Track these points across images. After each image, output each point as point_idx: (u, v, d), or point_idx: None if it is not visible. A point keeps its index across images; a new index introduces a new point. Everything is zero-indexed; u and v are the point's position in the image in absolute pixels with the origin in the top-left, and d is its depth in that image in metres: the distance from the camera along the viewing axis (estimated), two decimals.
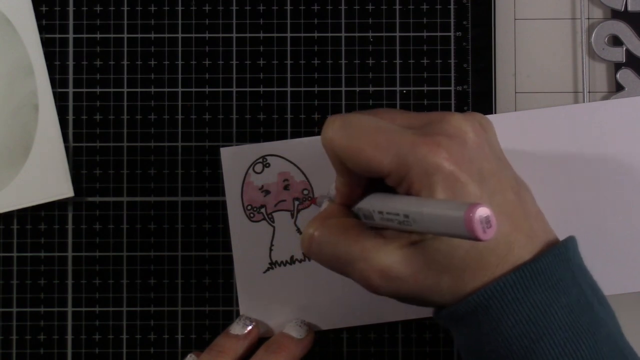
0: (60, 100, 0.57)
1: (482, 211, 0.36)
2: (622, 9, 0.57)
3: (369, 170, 0.43)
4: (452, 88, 0.57)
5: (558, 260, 0.43)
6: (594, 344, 0.42)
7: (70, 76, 0.57)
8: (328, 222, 0.46)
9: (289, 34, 0.57)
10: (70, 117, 0.57)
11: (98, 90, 0.57)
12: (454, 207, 0.37)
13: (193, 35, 0.58)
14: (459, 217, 0.36)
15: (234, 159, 0.56)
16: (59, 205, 0.57)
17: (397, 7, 0.57)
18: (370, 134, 0.43)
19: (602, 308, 0.44)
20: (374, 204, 0.45)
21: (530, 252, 0.44)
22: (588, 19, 0.57)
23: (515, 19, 0.58)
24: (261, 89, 0.57)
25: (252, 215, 0.56)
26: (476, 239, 0.36)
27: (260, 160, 0.56)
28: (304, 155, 0.56)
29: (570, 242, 0.45)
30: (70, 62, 0.57)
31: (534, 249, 0.44)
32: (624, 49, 0.57)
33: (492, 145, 0.46)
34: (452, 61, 0.57)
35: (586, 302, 0.43)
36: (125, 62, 0.57)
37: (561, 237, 0.46)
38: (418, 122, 0.45)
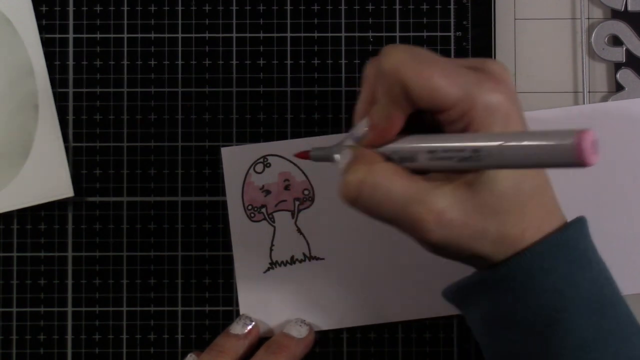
0: (60, 100, 0.57)
1: (593, 135, 0.36)
2: (622, 9, 0.57)
3: (434, 99, 0.41)
4: None
5: (581, 233, 0.44)
6: (616, 317, 0.43)
7: (70, 76, 0.57)
8: (376, 166, 0.43)
9: (289, 34, 0.57)
10: (70, 117, 0.57)
11: (98, 90, 0.57)
12: (559, 136, 0.37)
13: (193, 35, 0.57)
14: (568, 144, 0.36)
15: (235, 159, 0.56)
16: (59, 205, 0.57)
17: (397, 7, 0.57)
18: (440, 64, 0.42)
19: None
20: (422, 142, 0.43)
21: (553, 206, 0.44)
22: (588, 19, 0.57)
23: (515, 19, 0.58)
24: (261, 89, 0.57)
25: (252, 215, 0.56)
26: (584, 163, 0.36)
27: (261, 160, 0.56)
28: None
29: (586, 219, 0.46)
30: (70, 62, 0.57)
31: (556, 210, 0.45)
32: (624, 49, 0.57)
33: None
34: None
35: (607, 276, 0.44)
36: (125, 62, 0.57)
37: None
38: (465, 64, 0.44)
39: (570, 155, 0.36)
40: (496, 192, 0.42)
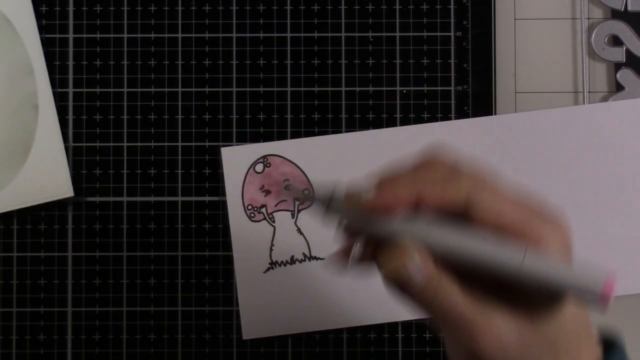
0: (60, 100, 0.57)
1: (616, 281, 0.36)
2: (622, 9, 0.57)
3: (494, 221, 0.39)
4: (452, 88, 0.57)
5: None
6: None
7: (70, 76, 0.57)
8: (441, 272, 0.40)
9: (289, 34, 0.57)
10: (70, 117, 0.57)
11: (98, 90, 0.57)
12: (590, 270, 0.36)
13: (193, 35, 0.57)
14: (598, 280, 0.36)
15: (235, 159, 0.56)
16: (59, 205, 0.57)
17: (397, 7, 0.57)
18: (506, 191, 0.40)
19: None
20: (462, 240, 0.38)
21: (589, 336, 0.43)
22: (588, 19, 0.57)
23: (515, 19, 0.58)
24: (261, 89, 0.57)
25: (252, 215, 0.56)
26: (604, 304, 0.36)
27: (261, 160, 0.56)
28: (304, 155, 0.56)
29: (622, 343, 0.45)
30: (70, 62, 0.57)
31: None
32: (624, 49, 0.57)
33: None
34: (452, 61, 0.57)
35: None
36: (125, 62, 0.57)
37: None
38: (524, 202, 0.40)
39: (593, 296, 0.36)
40: (551, 333, 0.41)
